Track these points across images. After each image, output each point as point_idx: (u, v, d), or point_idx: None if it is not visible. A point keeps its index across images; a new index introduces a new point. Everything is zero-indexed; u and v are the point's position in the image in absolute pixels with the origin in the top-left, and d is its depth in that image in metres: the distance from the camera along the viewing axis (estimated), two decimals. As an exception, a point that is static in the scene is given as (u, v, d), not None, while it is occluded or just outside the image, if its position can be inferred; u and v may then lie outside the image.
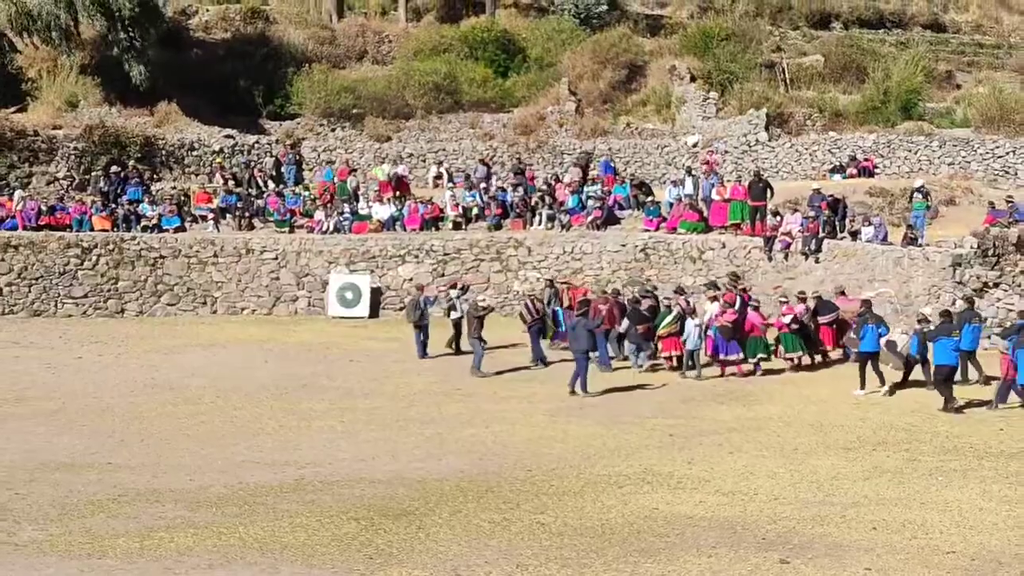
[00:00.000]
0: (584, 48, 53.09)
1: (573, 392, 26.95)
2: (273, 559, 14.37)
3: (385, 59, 54.90)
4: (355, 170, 45.29)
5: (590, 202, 41.06)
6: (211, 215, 41.48)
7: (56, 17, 46.00)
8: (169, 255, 39.49)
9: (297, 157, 46.41)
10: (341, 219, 41.24)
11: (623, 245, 39.22)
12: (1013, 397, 24.38)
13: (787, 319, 29.32)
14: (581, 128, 49.20)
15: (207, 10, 56.12)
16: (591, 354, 28.05)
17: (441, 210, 42.02)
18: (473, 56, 53.01)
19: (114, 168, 42.78)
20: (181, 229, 40.82)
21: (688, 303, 30.47)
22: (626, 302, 31.69)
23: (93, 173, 42.95)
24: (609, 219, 40.68)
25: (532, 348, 31.32)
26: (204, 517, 16.42)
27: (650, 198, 41.31)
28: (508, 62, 53.68)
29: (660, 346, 30.07)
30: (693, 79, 51.39)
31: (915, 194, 38.54)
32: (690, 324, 29.05)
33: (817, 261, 35.58)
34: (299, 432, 23.22)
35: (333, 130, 49.55)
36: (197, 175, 45.40)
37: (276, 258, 39.66)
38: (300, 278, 39.49)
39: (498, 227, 40.93)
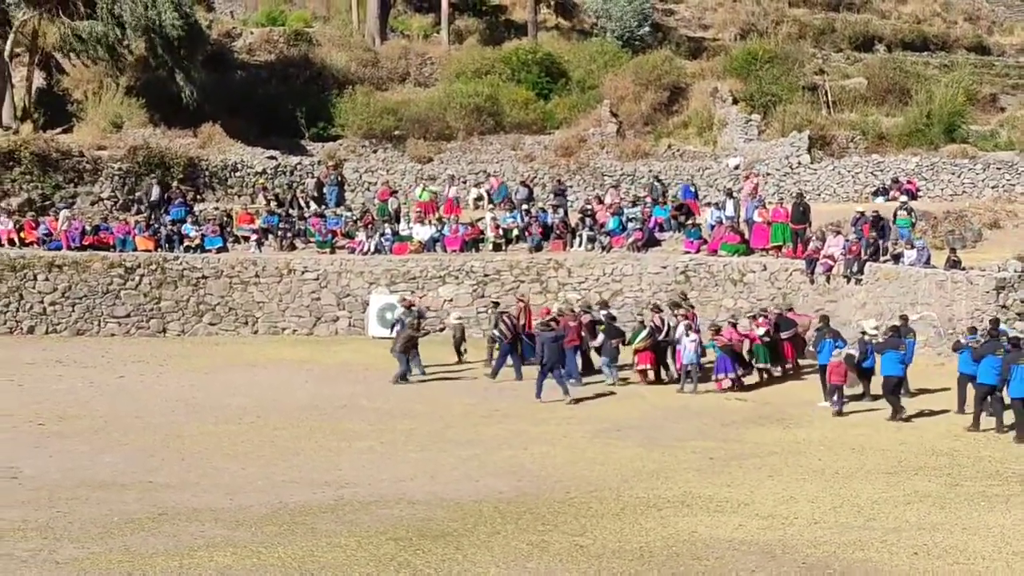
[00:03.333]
0: (626, 70, 53.17)
1: (575, 400, 28.48)
2: (311, 579, 14.41)
3: (427, 81, 55.18)
4: (396, 191, 45.45)
5: (631, 224, 41.01)
6: (254, 235, 41.72)
7: (103, 38, 46.42)
8: (211, 275, 39.73)
9: (339, 178, 46.62)
10: (382, 240, 41.40)
11: (664, 267, 39.12)
12: None
13: (760, 331, 30.80)
14: (622, 150, 49.24)
15: (251, 32, 56.64)
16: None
17: (481, 231, 42.12)
18: (515, 78, 53.17)
19: (154, 181, 43.25)
20: (223, 249, 41.08)
21: (662, 320, 32.02)
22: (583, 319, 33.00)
23: (138, 193, 43.32)
24: (650, 241, 40.61)
25: (514, 364, 32.13)
26: (244, 536, 16.47)
27: (691, 220, 41.24)
28: (550, 84, 53.82)
29: (636, 360, 31.51)
30: (735, 101, 51.38)
31: (899, 211, 38.50)
32: (687, 340, 30.26)
33: (859, 284, 35.38)
34: (339, 452, 23.25)
35: (375, 151, 49.82)
36: (240, 196, 45.73)
37: (317, 279, 39.82)
38: (341, 298, 39.62)
39: (539, 248, 40.94)
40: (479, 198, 45.82)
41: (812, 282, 36.67)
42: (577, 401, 28.61)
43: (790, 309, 33.57)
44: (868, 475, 20.69)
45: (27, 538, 16.36)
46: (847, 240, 36.64)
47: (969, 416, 25.18)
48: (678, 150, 50.24)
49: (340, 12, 60.93)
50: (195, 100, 47.47)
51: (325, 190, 46.04)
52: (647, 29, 56.99)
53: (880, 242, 36.50)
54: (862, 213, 38.12)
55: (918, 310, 32.45)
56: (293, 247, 41.64)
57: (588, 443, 24.03)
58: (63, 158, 43.58)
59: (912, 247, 35.42)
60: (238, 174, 46.16)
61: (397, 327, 33.45)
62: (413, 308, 34.35)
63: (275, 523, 17.27)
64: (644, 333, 31.44)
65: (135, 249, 40.38)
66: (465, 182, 46.99)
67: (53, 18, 47.00)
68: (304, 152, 49.54)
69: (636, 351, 31.45)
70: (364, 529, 16.81)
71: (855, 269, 35.53)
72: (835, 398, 26.90)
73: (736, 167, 47.08)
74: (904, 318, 29.52)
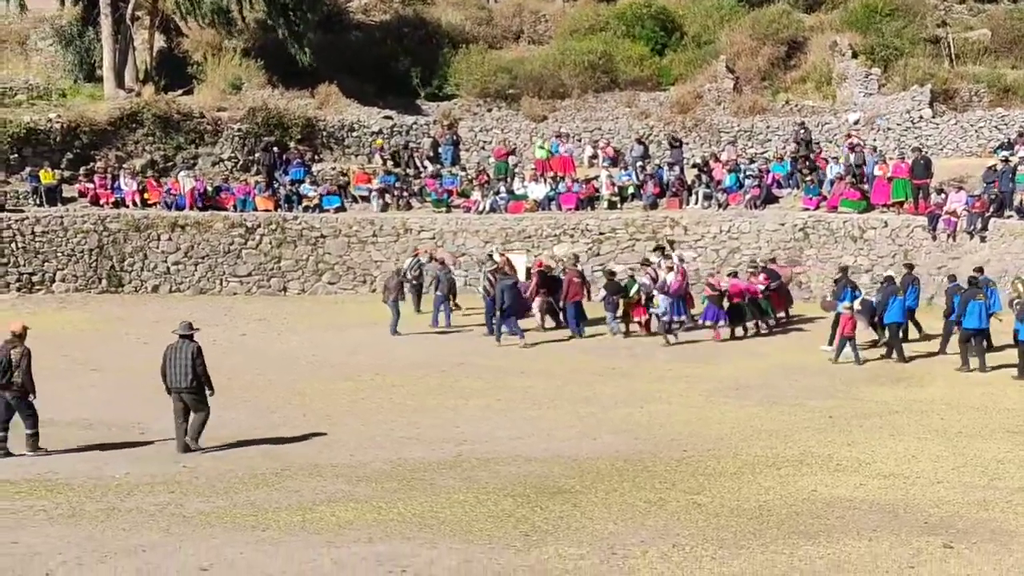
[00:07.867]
0: (743, 25, 52.37)
1: (528, 345, 30.75)
2: (431, 534, 14.54)
3: (541, 39, 54.92)
4: (513, 150, 45.46)
5: (748, 181, 40.56)
6: (372, 195, 42.03)
7: (217, 3, 46.91)
8: (330, 235, 40.17)
9: (454, 138, 46.75)
10: (497, 199, 41.47)
11: (782, 224, 38.69)
12: None
13: (761, 286, 32.43)
14: (739, 106, 48.57)
15: (367, -8, 56.81)
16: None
17: (596, 189, 41.96)
18: (630, 34, 52.70)
19: (270, 144, 43.68)
20: (341, 209, 41.47)
21: (655, 272, 32.83)
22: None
23: (257, 154, 43.83)
24: (767, 198, 40.16)
25: (496, 322, 32.09)
26: (364, 492, 16.69)
27: (811, 176, 40.66)
28: (665, 40, 53.24)
29: (630, 313, 32.75)
30: (855, 55, 50.37)
31: (1020, 166, 37.31)
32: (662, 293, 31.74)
33: (983, 240, 34.67)
34: (456, 410, 23.45)
35: (490, 110, 49.72)
36: (357, 156, 46.06)
37: (433, 237, 40.03)
38: (457, 257, 39.76)
39: (654, 206, 40.68)
40: (593, 156, 45.62)
41: (934, 239, 36.03)
42: (530, 345, 30.66)
43: (772, 261, 35.13)
44: (992, 434, 20.35)
45: (155, 492, 16.76)
46: (970, 196, 35.89)
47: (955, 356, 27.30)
48: (796, 105, 49.46)
49: (454, -30, 60.83)
50: (311, 63, 47.77)
51: (440, 149, 46.20)
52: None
53: (1004, 195, 35.67)
54: (992, 167, 37.22)
55: (1044, 267, 31.78)
56: (409, 206, 41.89)
57: (705, 401, 23.95)
58: (184, 119, 44.19)
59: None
60: (355, 134, 46.47)
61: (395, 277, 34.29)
62: (424, 260, 35.79)
63: (395, 479, 17.47)
64: (635, 288, 32.52)
65: (255, 209, 40.94)
66: (580, 140, 46.81)
67: (171, -19, 47.60)
68: (419, 112, 49.68)
69: (630, 305, 32.65)
70: (482, 485, 16.93)
71: (979, 225, 34.82)
72: (847, 350, 27.77)
73: (856, 122, 46.23)
74: (909, 266, 31.68)
